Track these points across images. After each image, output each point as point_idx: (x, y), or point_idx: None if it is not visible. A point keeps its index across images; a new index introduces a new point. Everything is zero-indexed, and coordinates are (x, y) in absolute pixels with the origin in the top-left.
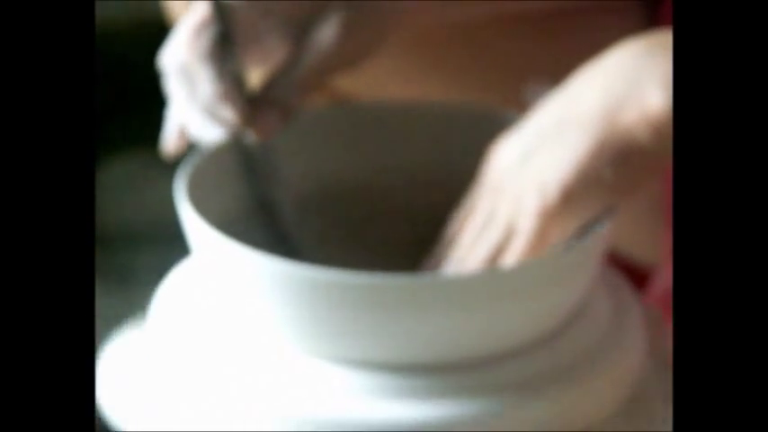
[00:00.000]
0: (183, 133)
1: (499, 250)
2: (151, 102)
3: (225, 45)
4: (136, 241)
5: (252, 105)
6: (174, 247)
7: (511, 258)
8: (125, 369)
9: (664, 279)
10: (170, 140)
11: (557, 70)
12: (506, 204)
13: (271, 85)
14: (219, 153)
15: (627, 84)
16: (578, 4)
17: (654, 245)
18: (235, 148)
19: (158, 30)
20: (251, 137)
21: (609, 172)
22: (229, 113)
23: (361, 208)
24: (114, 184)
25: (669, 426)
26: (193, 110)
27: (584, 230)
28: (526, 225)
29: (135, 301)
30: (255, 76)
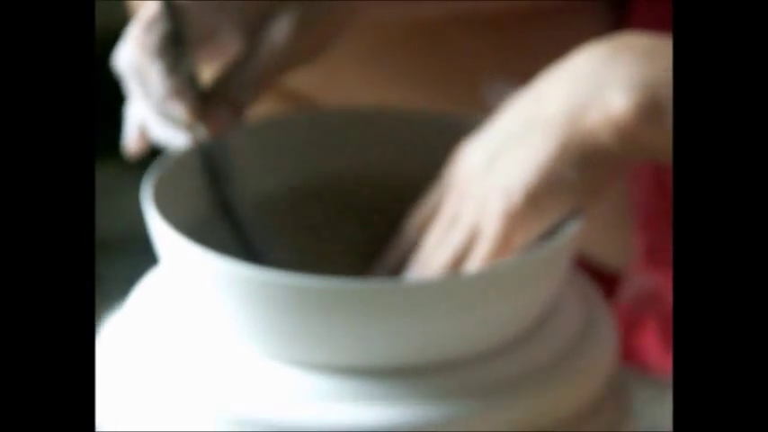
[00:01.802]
0: (143, 133)
1: (463, 253)
2: (120, 111)
3: (176, 42)
4: (108, 251)
5: (204, 102)
6: (148, 257)
7: (475, 262)
8: (98, 371)
9: (633, 283)
10: (131, 141)
11: (521, 72)
12: (471, 207)
13: (223, 81)
14: (185, 159)
15: (591, 86)
16: (544, 5)
17: (623, 249)
18: (198, 153)
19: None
20: (203, 134)
21: (573, 174)
22: (180, 110)
23: (322, 212)
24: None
25: (638, 425)
26: (147, 108)
27: (550, 233)
28: (490, 228)
29: (109, 310)
30: (208, 73)
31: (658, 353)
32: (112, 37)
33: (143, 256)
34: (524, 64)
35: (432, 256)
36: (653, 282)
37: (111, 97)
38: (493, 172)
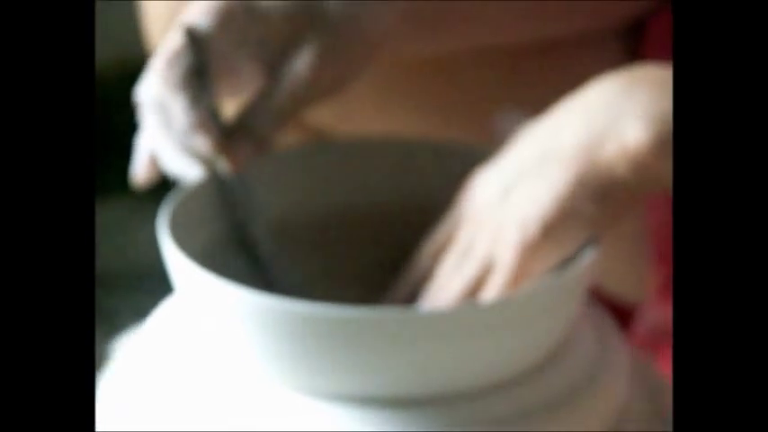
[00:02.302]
0: (153, 163)
1: (477, 284)
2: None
3: (199, 75)
4: (121, 284)
5: (226, 135)
6: (161, 290)
7: (490, 293)
8: (111, 405)
9: (649, 316)
10: (140, 170)
11: (536, 103)
12: (485, 238)
13: (245, 115)
14: (201, 189)
15: (607, 119)
16: (557, 37)
17: (638, 282)
18: (214, 183)
19: (143, 75)
20: (225, 167)
21: (589, 206)
22: (203, 144)
23: (337, 241)
24: (99, 229)
25: None
26: (168, 141)
27: (565, 263)
28: (506, 259)
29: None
30: (230, 107)
31: None
32: (125, 72)
33: (157, 290)
34: (538, 95)
35: (445, 286)
36: (669, 315)
37: (125, 132)
38: (508, 203)
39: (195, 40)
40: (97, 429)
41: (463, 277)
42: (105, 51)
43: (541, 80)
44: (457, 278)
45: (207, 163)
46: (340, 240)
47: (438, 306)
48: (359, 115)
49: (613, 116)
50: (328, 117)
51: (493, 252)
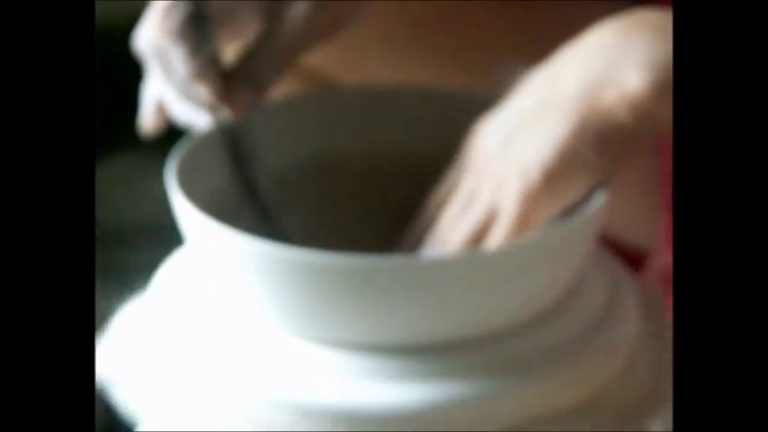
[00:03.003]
0: (160, 110)
1: (481, 232)
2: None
3: (197, 23)
4: (134, 239)
5: (227, 83)
6: (171, 244)
7: (494, 241)
8: (123, 351)
9: (660, 260)
10: (147, 118)
11: (539, 49)
12: (488, 187)
13: (245, 61)
14: (207, 140)
15: (605, 65)
16: None
17: (648, 227)
18: (220, 134)
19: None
20: (226, 114)
21: (590, 152)
22: (204, 92)
23: (344, 188)
24: (111, 184)
25: (661, 396)
26: (169, 89)
27: (573, 211)
28: (509, 207)
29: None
30: (230, 52)
31: None
32: (132, 24)
33: (167, 243)
34: (542, 42)
35: (449, 234)
36: None
37: (130, 89)
38: (510, 151)
39: None
40: (105, 372)
41: (466, 225)
42: (120, 8)
43: (545, 27)
44: (460, 226)
45: (209, 110)
46: (347, 188)
47: (441, 254)
48: (365, 64)
49: (612, 62)
50: (335, 66)
51: (496, 200)
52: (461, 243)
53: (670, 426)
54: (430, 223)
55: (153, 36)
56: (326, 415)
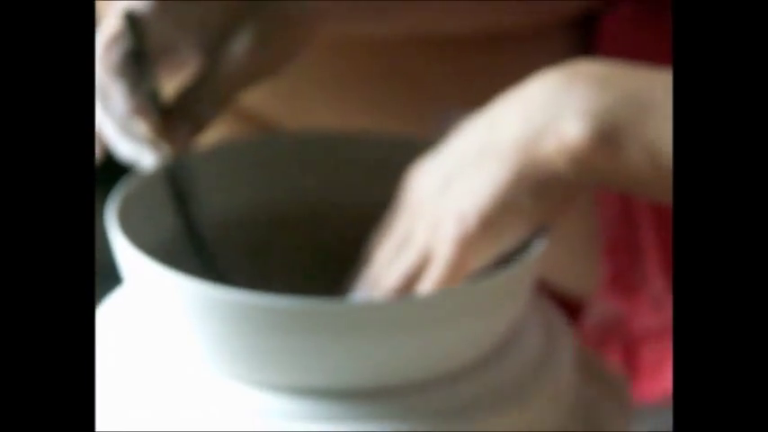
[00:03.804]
0: (98, 141)
1: (414, 275)
2: None
3: (138, 59)
4: None
5: (166, 118)
6: (110, 283)
7: (427, 285)
8: None
9: (597, 310)
10: None
11: (484, 97)
12: (424, 229)
13: (184, 98)
14: (149, 180)
15: (546, 114)
16: (507, 29)
17: (588, 276)
18: (163, 174)
19: None
20: (165, 150)
21: (528, 200)
22: (143, 128)
23: (283, 233)
24: None
25: None
26: (108, 123)
27: (514, 256)
28: (443, 252)
29: None
30: (170, 87)
31: (622, 381)
32: None
33: (105, 282)
34: (487, 89)
35: (382, 275)
36: (616, 308)
37: None
38: (447, 195)
39: (134, 23)
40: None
41: (400, 267)
42: None
43: (490, 74)
44: (393, 268)
45: (148, 146)
46: (286, 232)
47: (373, 297)
48: (307, 108)
49: (552, 111)
50: (276, 111)
51: (431, 243)
52: (394, 285)
53: None
54: (364, 264)
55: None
56: None
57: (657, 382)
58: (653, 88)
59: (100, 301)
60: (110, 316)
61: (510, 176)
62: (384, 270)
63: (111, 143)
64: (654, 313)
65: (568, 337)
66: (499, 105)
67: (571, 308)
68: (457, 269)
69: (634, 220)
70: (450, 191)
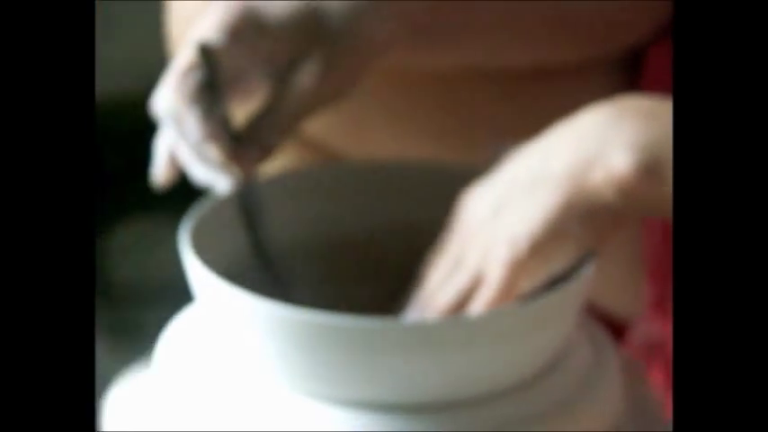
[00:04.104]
0: (172, 164)
1: (466, 296)
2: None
3: (211, 88)
4: (146, 299)
5: (236, 144)
6: (181, 302)
7: (479, 306)
8: (130, 409)
9: (641, 331)
10: (159, 171)
11: (532, 129)
12: (476, 253)
13: (253, 125)
14: (220, 204)
15: (595, 146)
16: (556, 62)
17: (632, 299)
18: (234, 199)
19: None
20: (236, 173)
21: (577, 227)
22: (215, 152)
23: (346, 257)
24: (127, 245)
25: None
26: (185, 149)
27: (560, 278)
28: (495, 275)
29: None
30: (240, 115)
31: (665, 399)
32: (140, 99)
33: (177, 301)
34: (535, 121)
35: (435, 296)
36: (660, 330)
37: (145, 157)
38: (499, 220)
39: (207, 55)
40: (118, 428)
41: (452, 289)
42: (129, 79)
43: (541, 107)
44: (446, 289)
45: (220, 170)
46: (349, 255)
47: (426, 317)
48: (370, 140)
49: (601, 144)
50: (342, 141)
51: (482, 266)
52: (446, 306)
53: None
54: (418, 284)
55: (169, 100)
56: None
57: None
58: None
59: (172, 317)
60: (180, 331)
61: (560, 204)
62: (437, 290)
63: (185, 167)
64: None
65: (614, 356)
66: (551, 136)
67: (617, 329)
68: (507, 291)
69: None
70: (502, 216)
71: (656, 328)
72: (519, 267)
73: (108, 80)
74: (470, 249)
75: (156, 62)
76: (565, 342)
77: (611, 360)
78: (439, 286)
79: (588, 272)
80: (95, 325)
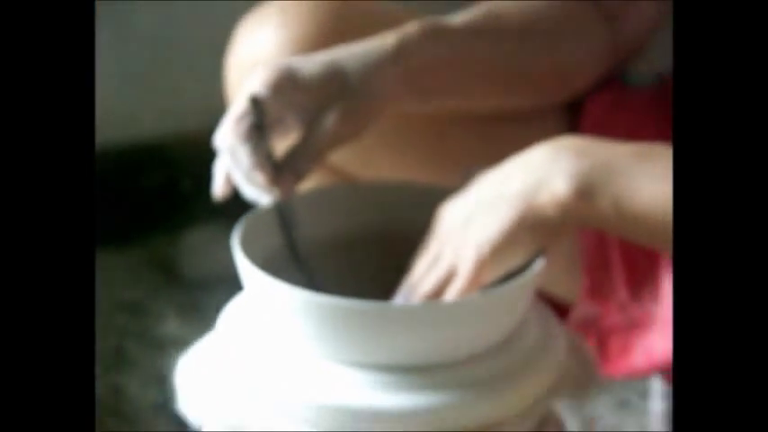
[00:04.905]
0: (227, 183)
1: (443, 285)
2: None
3: (258, 129)
4: (209, 285)
5: (276, 171)
6: (236, 289)
7: (452, 293)
8: (197, 369)
9: (579, 311)
10: (218, 188)
11: (497, 158)
12: (450, 253)
13: (289, 156)
14: (263, 215)
15: (542, 174)
16: (517, 110)
17: (573, 286)
18: (273, 211)
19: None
20: (276, 193)
21: (527, 236)
22: (261, 178)
23: (360, 255)
24: (195, 246)
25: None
26: (237, 174)
27: (517, 273)
28: (464, 270)
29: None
30: (280, 148)
31: (597, 361)
32: (211, 133)
33: (233, 290)
34: (500, 152)
35: (418, 284)
36: (593, 310)
37: (208, 181)
38: (468, 229)
39: (256, 104)
40: (183, 385)
41: (432, 279)
42: (198, 120)
43: (503, 142)
44: (427, 279)
45: (265, 190)
46: (363, 255)
47: (411, 301)
48: (376, 166)
49: (546, 173)
50: (356, 167)
51: (455, 263)
52: (427, 293)
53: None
54: (407, 275)
55: (227, 138)
56: (346, 414)
57: (621, 363)
58: (618, 157)
59: (228, 301)
60: (234, 314)
61: (514, 218)
62: (420, 281)
63: (238, 187)
64: (619, 314)
65: (560, 329)
66: (509, 165)
67: (561, 310)
68: (474, 283)
69: (605, 249)
70: (470, 225)
71: (590, 309)
72: (482, 265)
73: (183, 121)
74: (446, 250)
75: (217, 109)
76: (522, 319)
77: (556, 332)
78: (422, 277)
79: (538, 267)
80: (170, 306)
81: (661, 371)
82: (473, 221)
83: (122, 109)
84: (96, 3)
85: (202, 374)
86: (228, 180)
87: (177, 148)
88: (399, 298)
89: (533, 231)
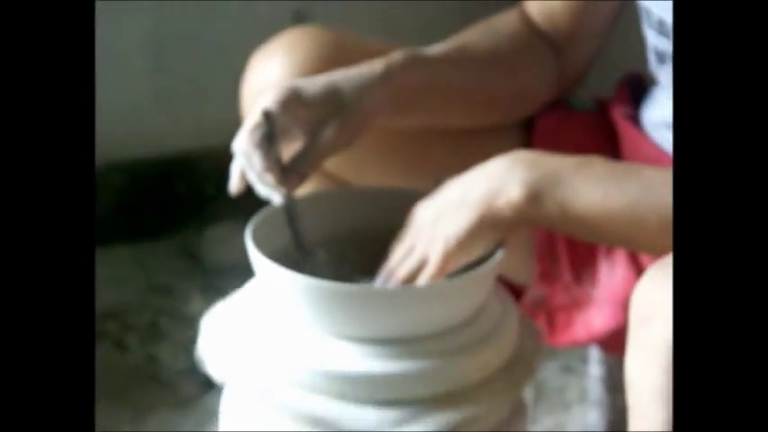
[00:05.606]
0: (242, 180)
1: (415, 272)
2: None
3: (269, 138)
4: (228, 272)
5: (284, 173)
6: (250, 275)
7: (423, 279)
8: (217, 336)
9: (531, 293)
10: (233, 184)
11: (464, 165)
12: (422, 245)
13: (294, 161)
14: (272, 214)
15: (500, 182)
16: (482, 127)
17: (527, 272)
18: (281, 209)
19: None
20: (283, 191)
21: (486, 233)
22: (271, 178)
23: (352, 247)
24: (217, 239)
25: (533, 363)
26: (251, 175)
27: (480, 262)
28: (434, 260)
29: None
30: (287, 154)
31: (544, 334)
32: (225, 150)
33: (248, 276)
34: (464, 162)
35: (395, 269)
36: (543, 291)
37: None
38: (437, 225)
39: (267, 117)
40: (204, 350)
41: (406, 267)
42: (220, 131)
43: (469, 152)
44: (403, 267)
45: (274, 189)
46: (354, 246)
47: (389, 285)
48: (366, 173)
49: (503, 181)
50: (348, 173)
51: (426, 254)
52: (402, 278)
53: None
54: (386, 262)
55: (242, 144)
56: (340, 377)
57: (566, 335)
58: (563, 168)
59: (240, 287)
60: (247, 297)
61: (476, 218)
62: (397, 267)
63: (252, 185)
64: (565, 295)
65: (515, 308)
66: (472, 173)
67: (517, 292)
68: (442, 270)
69: (553, 241)
70: (439, 223)
71: (541, 291)
72: (449, 256)
73: (207, 138)
74: (419, 242)
75: (235, 127)
76: (483, 300)
77: (512, 311)
78: (398, 264)
79: (498, 257)
80: (196, 288)
81: (598, 341)
82: (442, 219)
83: (158, 128)
84: (135, 43)
85: (223, 341)
86: (242, 178)
87: (202, 160)
88: (379, 281)
89: (492, 229)
